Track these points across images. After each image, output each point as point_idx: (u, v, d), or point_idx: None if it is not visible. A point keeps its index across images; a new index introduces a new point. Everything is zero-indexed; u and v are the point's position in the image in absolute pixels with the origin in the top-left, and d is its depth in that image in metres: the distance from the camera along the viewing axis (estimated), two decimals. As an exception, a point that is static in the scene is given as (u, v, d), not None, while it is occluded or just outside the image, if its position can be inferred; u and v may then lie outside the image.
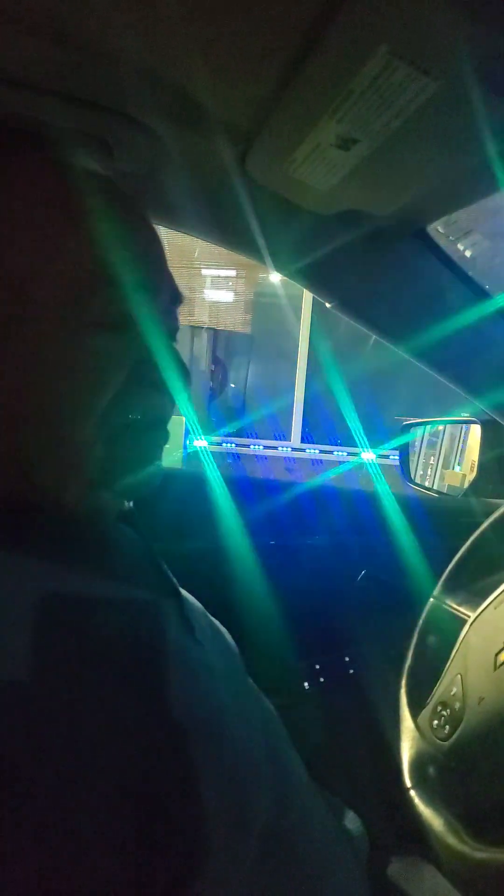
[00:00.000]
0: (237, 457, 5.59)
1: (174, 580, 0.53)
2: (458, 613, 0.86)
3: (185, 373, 0.50)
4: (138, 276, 0.47)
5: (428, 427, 2.41)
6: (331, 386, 5.41)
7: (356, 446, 5.61)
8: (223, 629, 0.62)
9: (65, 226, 0.44)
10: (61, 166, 0.47)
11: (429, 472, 3.68)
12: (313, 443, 5.77)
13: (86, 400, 0.44)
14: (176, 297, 0.54)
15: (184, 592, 0.55)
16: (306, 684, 1.15)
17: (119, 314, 0.46)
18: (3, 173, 0.44)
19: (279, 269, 0.88)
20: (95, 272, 0.44)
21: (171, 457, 4.23)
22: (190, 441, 5.00)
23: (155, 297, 0.50)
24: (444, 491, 2.27)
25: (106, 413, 0.45)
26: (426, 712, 0.78)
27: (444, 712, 0.74)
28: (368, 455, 5.51)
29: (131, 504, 0.56)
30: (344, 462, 5.65)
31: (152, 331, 0.48)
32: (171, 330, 0.54)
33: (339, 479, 4.94)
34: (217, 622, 0.62)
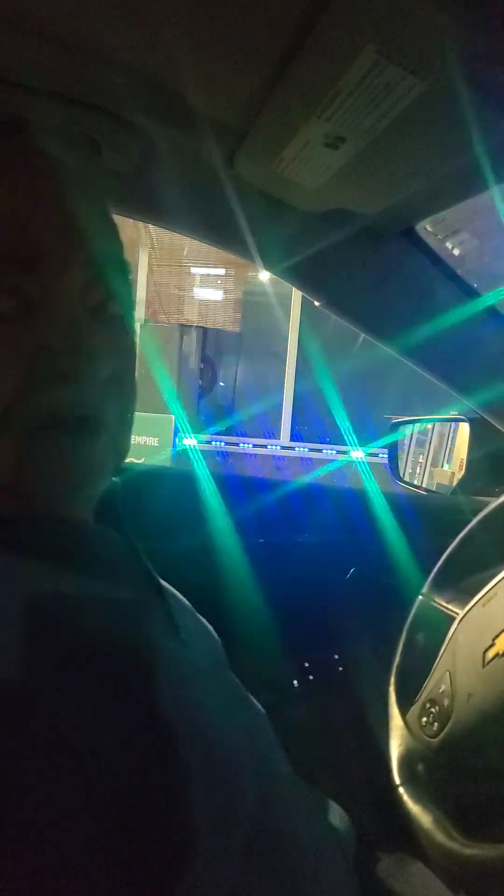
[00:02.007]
0: (226, 455, 5.59)
1: (159, 579, 0.53)
2: (447, 611, 0.86)
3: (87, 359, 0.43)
4: (42, 252, 0.41)
5: (417, 425, 2.43)
6: (320, 384, 5.42)
7: (345, 444, 5.63)
8: (209, 627, 0.62)
9: None
10: None
11: (418, 471, 3.70)
12: (302, 441, 5.78)
13: None
14: (121, 273, 0.47)
15: (171, 589, 0.55)
16: (295, 682, 1.15)
17: (9, 298, 0.40)
18: None
19: (268, 267, 0.88)
20: None
21: (160, 455, 4.22)
22: (179, 439, 5.00)
23: (70, 274, 0.43)
24: (433, 489, 2.28)
25: (8, 413, 0.40)
26: (415, 709, 0.79)
27: (432, 709, 0.75)
28: (357, 453, 5.53)
29: (116, 506, 0.55)
30: (333, 460, 5.66)
31: (69, 313, 0.42)
32: (107, 311, 0.46)
33: (328, 478, 4.96)
34: (204, 620, 0.62)
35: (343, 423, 4.86)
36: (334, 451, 5.69)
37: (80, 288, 0.43)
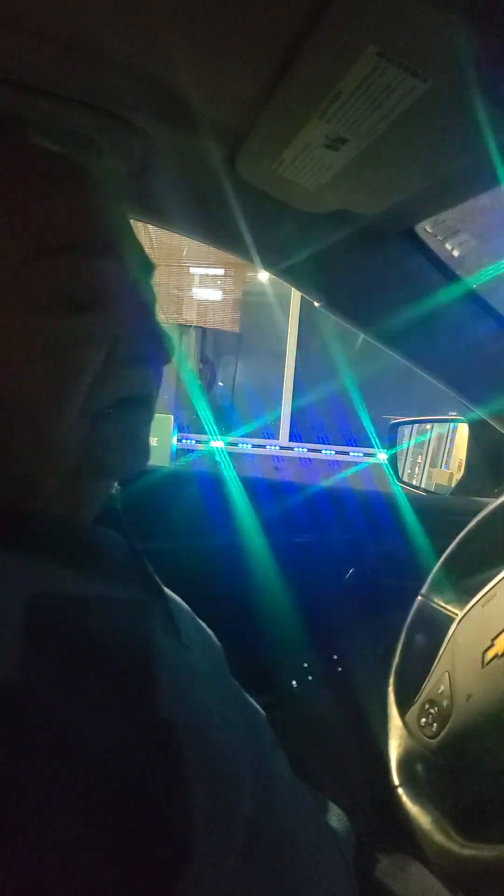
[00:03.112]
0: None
1: (159, 581, 0.53)
2: (446, 611, 0.86)
3: (168, 343, 0.48)
4: (101, 245, 0.44)
5: (416, 426, 2.43)
6: (319, 385, 5.42)
7: (344, 445, 5.63)
8: (208, 630, 0.62)
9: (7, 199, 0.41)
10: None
11: (416, 471, 3.70)
12: (301, 441, 5.78)
13: (62, 385, 0.42)
14: (147, 266, 0.50)
15: (169, 593, 0.55)
16: (294, 682, 1.15)
17: (85, 290, 0.42)
18: None
19: (268, 267, 0.88)
20: (45, 243, 0.41)
21: (158, 455, 4.22)
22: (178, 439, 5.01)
23: (123, 266, 0.46)
24: (432, 489, 2.28)
25: (88, 397, 0.43)
26: (414, 710, 0.78)
27: (431, 710, 0.74)
28: (357, 454, 5.53)
29: (118, 488, 0.55)
30: (332, 460, 5.66)
31: (127, 303, 0.45)
32: (149, 301, 0.49)
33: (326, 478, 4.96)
34: (202, 623, 0.62)
35: (342, 423, 4.86)
36: (333, 452, 5.69)
37: (132, 279, 0.47)
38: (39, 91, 0.53)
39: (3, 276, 0.40)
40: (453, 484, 1.53)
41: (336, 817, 0.68)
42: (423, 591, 0.93)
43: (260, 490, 1.20)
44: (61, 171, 0.44)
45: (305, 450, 5.75)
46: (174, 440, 5.05)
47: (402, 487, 1.55)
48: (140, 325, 0.46)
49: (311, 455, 5.73)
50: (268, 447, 5.74)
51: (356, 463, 5.49)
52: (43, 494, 0.44)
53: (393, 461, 1.64)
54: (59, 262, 0.41)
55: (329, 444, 5.71)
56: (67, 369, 0.42)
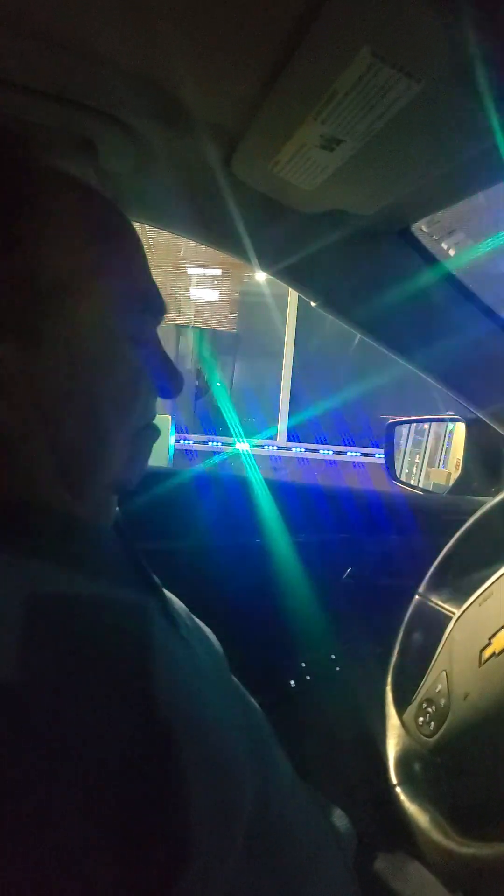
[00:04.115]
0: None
1: (157, 580, 0.53)
2: (443, 610, 0.86)
3: (179, 377, 0.54)
4: (153, 289, 0.51)
5: (413, 426, 2.43)
6: (316, 385, 5.43)
7: (342, 444, 5.63)
8: (207, 629, 0.62)
9: (93, 244, 0.47)
10: (77, 180, 0.48)
11: (414, 471, 3.70)
12: (299, 441, 5.77)
13: (123, 407, 0.48)
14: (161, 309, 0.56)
15: (167, 593, 0.55)
16: (292, 682, 1.15)
17: (143, 330, 0.49)
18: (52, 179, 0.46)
19: (265, 268, 0.88)
20: (136, 288, 0.48)
21: (157, 455, 4.22)
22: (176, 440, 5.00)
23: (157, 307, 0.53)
24: (430, 489, 2.28)
25: (134, 419, 0.49)
26: (412, 709, 0.79)
27: (429, 709, 0.75)
28: (354, 453, 5.53)
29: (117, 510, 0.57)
30: (329, 460, 5.66)
31: (156, 344, 0.52)
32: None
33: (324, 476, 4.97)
34: (200, 622, 0.62)
35: (339, 423, 4.86)
36: (331, 451, 5.69)
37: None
38: (35, 92, 0.53)
39: (98, 319, 0.46)
40: (451, 483, 1.53)
41: (336, 816, 0.68)
42: (421, 590, 0.93)
43: (259, 490, 1.20)
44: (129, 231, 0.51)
45: (303, 450, 5.75)
46: (172, 441, 5.05)
47: (400, 487, 1.55)
48: (164, 360, 0.53)
49: (309, 455, 5.73)
50: (266, 447, 5.74)
51: (354, 463, 5.50)
52: (79, 506, 0.48)
53: (390, 460, 1.64)
54: (132, 310, 0.48)
55: (327, 444, 5.71)
56: (131, 396, 0.48)
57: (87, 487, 0.48)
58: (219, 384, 6.00)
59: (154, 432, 0.53)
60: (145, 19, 0.46)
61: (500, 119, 0.52)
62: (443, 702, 0.73)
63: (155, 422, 0.55)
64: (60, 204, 0.46)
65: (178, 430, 5.41)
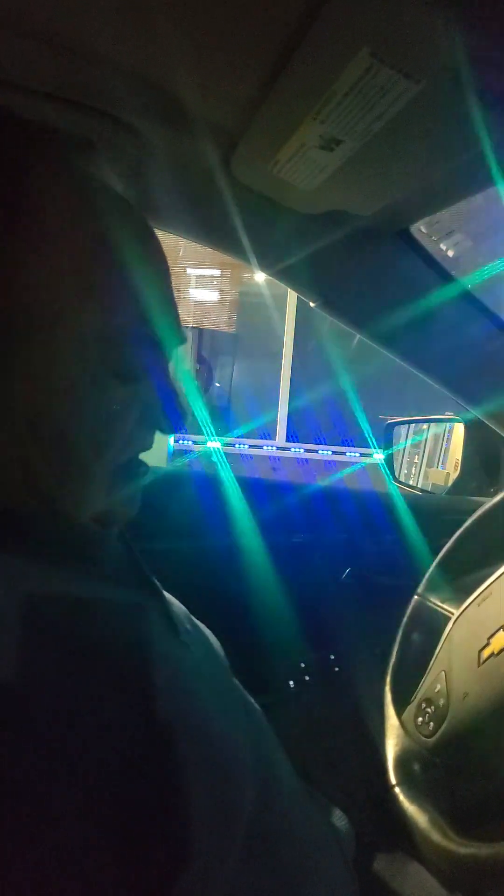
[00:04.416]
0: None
1: (156, 582, 0.53)
2: (442, 610, 0.86)
3: (185, 415, 0.51)
4: (158, 319, 0.46)
5: (412, 426, 2.43)
6: (315, 385, 5.43)
7: (341, 445, 5.63)
8: (207, 630, 0.62)
9: (97, 275, 0.42)
10: (86, 188, 0.44)
11: (413, 471, 3.70)
12: (298, 442, 5.78)
13: (100, 444, 0.45)
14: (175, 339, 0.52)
15: (166, 595, 0.55)
16: (291, 682, 1.15)
17: (135, 366, 0.45)
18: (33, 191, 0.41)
19: (264, 268, 0.88)
20: (123, 327, 0.43)
21: (155, 456, 4.22)
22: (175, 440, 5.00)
23: (169, 334, 0.49)
24: (429, 489, 2.28)
25: (115, 454, 0.46)
26: (411, 709, 0.79)
27: (428, 709, 0.75)
28: (353, 454, 5.54)
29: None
30: (328, 461, 5.67)
31: (161, 373, 0.48)
32: (174, 371, 0.53)
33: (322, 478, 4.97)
34: (200, 623, 0.62)
35: (338, 423, 4.86)
36: (330, 452, 5.69)
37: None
38: (35, 92, 0.53)
39: (85, 349, 0.42)
40: (450, 483, 1.53)
41: (336, 817, 0.68)
42: (420, 590, 0.93)
43: (257, 490, 1.20)
44: (142, 233, 0.47)
45: (302, 450, 5.75)
46: (171, 441, 5.05)
47: (399, 487, 1.55)
48: (166, 396, 0.49)
49: (308, 455, 5.73)
50: (265, 448, 5.74)
51: (352, 463, 5.50)
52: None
53: (389, 461, 1.64)
54: (126, 341, 0.44)
55: (326, 444, 5.71)
56: (112, 430, 0.45)
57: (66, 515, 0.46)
58: (218, 384, 6.00)
59: (140, 468, 0.51)
60: (145, 19, 0.46)
61: (498, 120, 0.52)
62: (442, 702, 0.73)
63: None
64: (47, 215, 0.41)
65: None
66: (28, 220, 0.40)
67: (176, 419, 0.50)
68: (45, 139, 0.45)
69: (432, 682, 0.77)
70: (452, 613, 0.81)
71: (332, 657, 1.19)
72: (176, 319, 0.50)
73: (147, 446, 0.51)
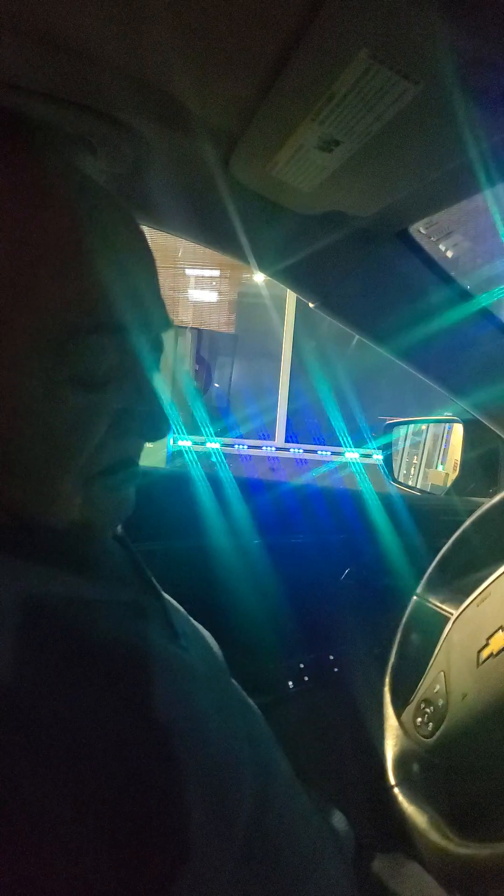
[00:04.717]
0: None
1: (156, 583, 0.53)
2: (441, 611, 0.86)
3: (166, 422, 0.47)
4: (131, 317, 0.43)
5: (411, 426, 2.43)
6: (315, 386, 5.43)
7: (340, 445, 5.63)
8: (205, 632, 0.62)
9: (40, 269, 0.39)
10: (50, 165, 0.41)
11: (412, 472, 3.70)
12: (297, 442, 5.78)
13: (68, 456, 0.42)
14: (166, 324, 0.50)
15: (165, 596, 0.55)
16: (291, 683, 1.15)
17: (99, 370, 0.42)
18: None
19: (263, 269, 0.88)
20: (73, 326, 0.40)
21: (154, 456, 4.22)
22: (175, 441, 5.00)
23: (147, 334, 0.46)
24: (428, 490, 2.28)
25: (84, 464, 0.43)
26: (410, 710, 0.79)
27: (427, 710, 0.75)
28: (352, 454, 5.54)
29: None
30: (328, 461, 5.67)
31: (137, 379, 0.45)
32: (154, 375, 0.49)
33: (322, 478, 4.97)
34: (199, 625, 0.62)
35: (338, 424, 4.86)
36: (329, 452, 5.69)
37: (145, 352, 0.46)
38: (33, 91, 0.53)
39: (32, 352, 0.39)
40: (449, 484, 1.53)
41: (335, 817, 0.68)
42: (419, 590, 0.93)
43: (255, 491, 1.20)
44: (97, 241, 0.42)
45: (301, 451, 5.75)
46: (170, 442, 5.05)
47: (398, 487, 1.55)
48: (144, 402, 0.46)
49: (307, 456, 5.74)
50: (264, 448, 5.74)
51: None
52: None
53: (388, 461, 1.64)
54: (86, 343, 0.41)
55: (325, 444, 5.71)
56: (75, 440, 0.42)
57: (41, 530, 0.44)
58: (217, 385, 6.00)
59: (127, 474, 0.47)
60: (144, 20, 0.46)
61: (497, 121, 0.52)
62: (441, 702, 0.73)
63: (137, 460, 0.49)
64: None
65: (176, 430, 5.41)
66: None
67: (155, 426, 0.46)
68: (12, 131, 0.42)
69: (431, 682, 0.77)
70: (451, 614, 0.81)
71: (332, 658, 1.19)
72: (161, 321, 0.48)
73: (130, 453, 0.48)
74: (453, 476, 1.47)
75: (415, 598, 0.93)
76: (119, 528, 0.56)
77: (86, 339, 0.41)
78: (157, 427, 0.47)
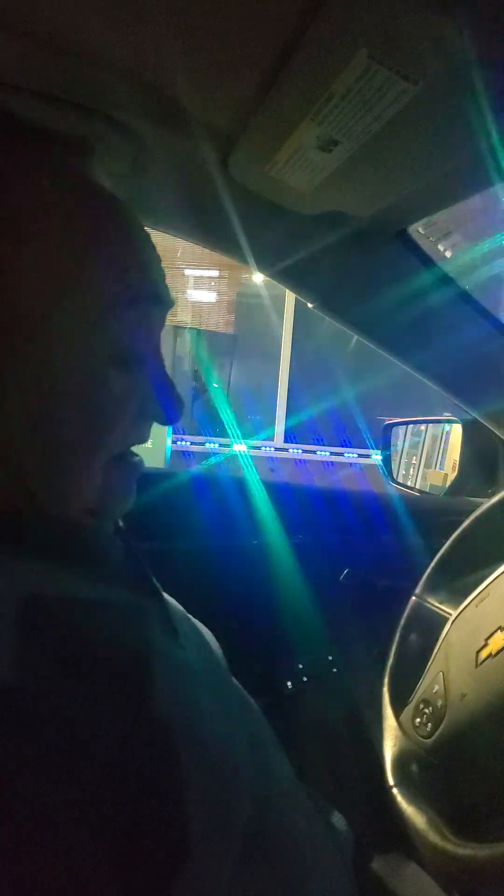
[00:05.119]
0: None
1: (156, 583, 0.53)
2: (440, 611, 0.86)
3: (181, 404, 0.50)
4: (149, 305, 0.46)
5: (410, 427, 2.43)
6: (313, 386, 5.43)
7: (339, 446, 5.63)
8: (206, 631, 0.62)
9: (84, 247, 0.42)
10: (71, 176, 0.45)
11: (411, 472, 3.70)
12: (296, 442, 5.78)
13: (97, 436, 0.44)
14: (167, 303, 0.52)
15: (164, 595, 0.55)
16: (289, 684, 1.15)
17: (131, 351, 0.44)
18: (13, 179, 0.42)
19: (262, 269, 0.88)
20: (112, 303, 0.43)
21: (154, 457, 4.22)
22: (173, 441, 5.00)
23: (160, 321, 0.49)
24: (427, 490, 2.28)
25: (110, 447, 0.45)
26: (409, 710, 0.79)
27: (426, 710, 0.75)
28: (350, 455, 5.54)
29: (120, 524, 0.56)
30: (326, 461, 5.67)
31: (156, 364, 0.47)
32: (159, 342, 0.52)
33: (321, 479, 4.98)
34: (199, 624, 0.62)
35: (337, 424, 4.87)
36: (328, 453, 5.69)
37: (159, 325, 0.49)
38: (31, 92, 0.53)
39: (76, 329, 0.42)
40: (447, 484, 1.53)
41: (335, 818, 0.68)
42: (417, 591, 0.93)
43: (256, 491, 1.20)
44: (126, 221, 0.46)
45: (300, 451, 5.75)
46: (169, 442, 5.05)
47: (396, 488, 1.56)
48: (161, 384, 0.48)
49: (307, 456, 5.74)
50: (263, 449, 5.74)
51: (351, 464, 5.50)
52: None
53: (387, 462, 1.64)
54: (125, 317, 0.43)
55: (324, 445, 5.71)
56: (108, 424, 0.44)
57: (55, 511, 0.46)
58: (216, 385, 6.00)
59: (134, 460, 0.50)
60: (142, 20, 0.46)
61: (496, 121, 0.52)
62: (439, 703, 0.73)
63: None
64: (26, 208, 0.41)
65: (175, 431, 5.41)
66: (9, 215, 0.40)
67: (172, 409, 0.49)
68: (32, 137, 0.45)
69: (430, 682, 0.77)
70: (450, 614, 0.81)
71: (330, 658, 1.19)
72: (169, 299, 0.50)
73: (143, 438, 0.50)
74: (452, 476, 1.48)
75: (414, 598, 0.93)
76: (121, 522, 0.56)
77: (124, 313, 0.43)
78: (173, 409, 0.49)
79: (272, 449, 5.76)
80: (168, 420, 0.49)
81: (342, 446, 5.64)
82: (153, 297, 0.47)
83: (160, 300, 0.48)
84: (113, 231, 0.44)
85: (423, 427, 3.50)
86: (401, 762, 0.75)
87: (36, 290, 0.41)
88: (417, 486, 2.47)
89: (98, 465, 0.45)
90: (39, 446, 0.42)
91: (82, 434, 0.43)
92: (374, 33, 0.43)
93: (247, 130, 0.58)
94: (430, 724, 0.73)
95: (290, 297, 5.47)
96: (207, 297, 5.86)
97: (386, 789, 0.73)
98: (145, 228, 0.49)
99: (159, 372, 0.48)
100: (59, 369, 0.42)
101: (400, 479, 1.79)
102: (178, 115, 0.58)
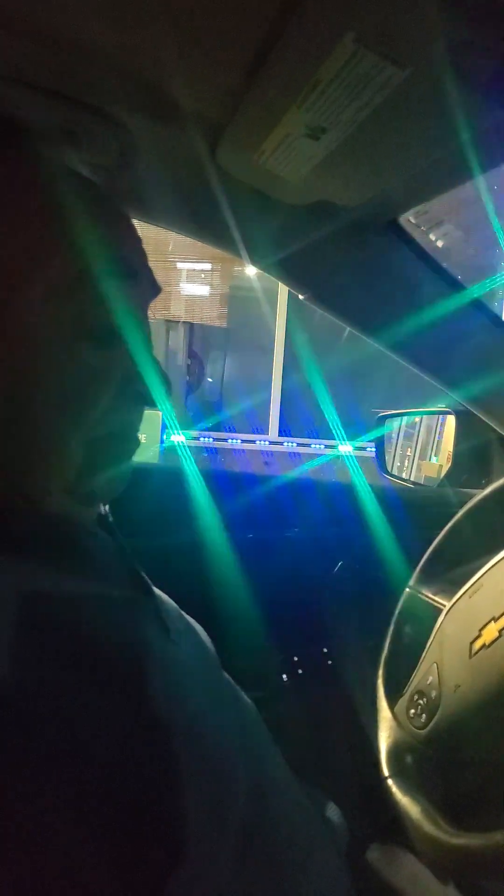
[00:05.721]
0: (214, 451, 5.58)
1: (148, 580, 0.53)
2: (434, 603, 0.86)
3: (167, 383, 0.50)
4: (122, 281, 0.46)
5: (404, 419, 2.43)
6: (308, 379, 5.43)
7: (334, 439, 5.63)
8: (198, 626, 0.62)
9: (49, 225, 0.43)
10: (37, 160, 0.45)
11: (406, 464, 3.70)
12: (291, 436, 5.78)
13: (74, 414, 0.44)
14: (154, 290, 0.53)
15: (157, 591, 0.55)
16: (284, 676, 1.15)
17: (106, 326, 0.44)
18: None
19: (254, 261, 0.88)
20: (80, 277, 0.43)
21: (147, 452, 4.22)
22: (167, 436, 4.99)
23: (139, 299, 0.49)
24: (422, 482, 2.29)
25: (90, 426, 0.45)
26: (403, 701, 0.79)
27: (420, 701, 0.75)
28: (346, 447, 5.54)
29: (107, 508, 0.56)
30: (321, 455, 5.67)
31: (138, 342, 0.46)
32: (147, 328, 0.52)
33: (316, 472, 4.99)
34: (192, 620, 0.62)
35: (331, 417, 4.87)
36: (323, 446, 5.70)
37: (142, 307, 0.50)
38: (15, 82, 0.53)
39: (44, 303, 0.41)
40: (442, 476, 1.53)
41: (329, 809, 0.68)
42: (411, 582, 0.93)
43: (248, 485, 1.20)
44: (95, 196, 0.47)
45: (295, 444, 5.75)
46: (163, 437, 5.04)
47: (390, 480, 1.56)
48: (144, 364, 0.47)
49: (301, 450, 5.74)
50: (257, 443, 5.74)
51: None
52: (39, 511, 0.45)
53: (381, 454, 1.64)
54: (96, 290, 0.43)
55: (318, 438, 5.71)
56: (87, 401, 0.44)
57: (39, 493, 0.45)
58: (210, 379, 6.00)
59: (122, 442, 0.49)
60: (128, 9, 0.46)
61: (486, 107, 0.51)
62: (434, 694, 0.73)
63: (137, 430, 0.51)
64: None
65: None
66: None
67: (155, 388, 0.48)
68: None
69: (424, 674, 0.77)
70: (444, 605, 0.81)
71: (325, 650, 1.19)
72: (153, 286, 0.50)
73: (131, 420, 0.49)
74: (447, 468, 1.48)
75: (407, 589, 0.92)
76: (108, 515, 0.56)
77: (93, 288, 0.43)
78: (157, 389, 0.48)
79: (266, 443, 5.76)
80: (150, 402, 0.49)
81: (336, 439, 5.64)
82: (127, 273, 0.47)
83: (135, 276, 0.48)
84: (79, 208, 0.44)
85: (417, 419, 3.51)
86: (395, 753, 0.75)
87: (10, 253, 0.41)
88: (412, 479, 2.47)
89: (76, 444, 0.45)
90: (12, 425, 0.42)
91: (55, 410, 0.43)
92: (362, 16, 0.43)
93: (234, 119, 0.58)
94: (424, 716, 0.73)
95: (283, 290, 5.46)
96: (200, 290, 5.83)
97: (381, 780, 0.73)
98: (122, 210, 0.49)
99: (141, 350, 0.47)
100: (28, 344, 0.41)
101: (395, 471, 1.79)
102: (163, 105, 0.57)
